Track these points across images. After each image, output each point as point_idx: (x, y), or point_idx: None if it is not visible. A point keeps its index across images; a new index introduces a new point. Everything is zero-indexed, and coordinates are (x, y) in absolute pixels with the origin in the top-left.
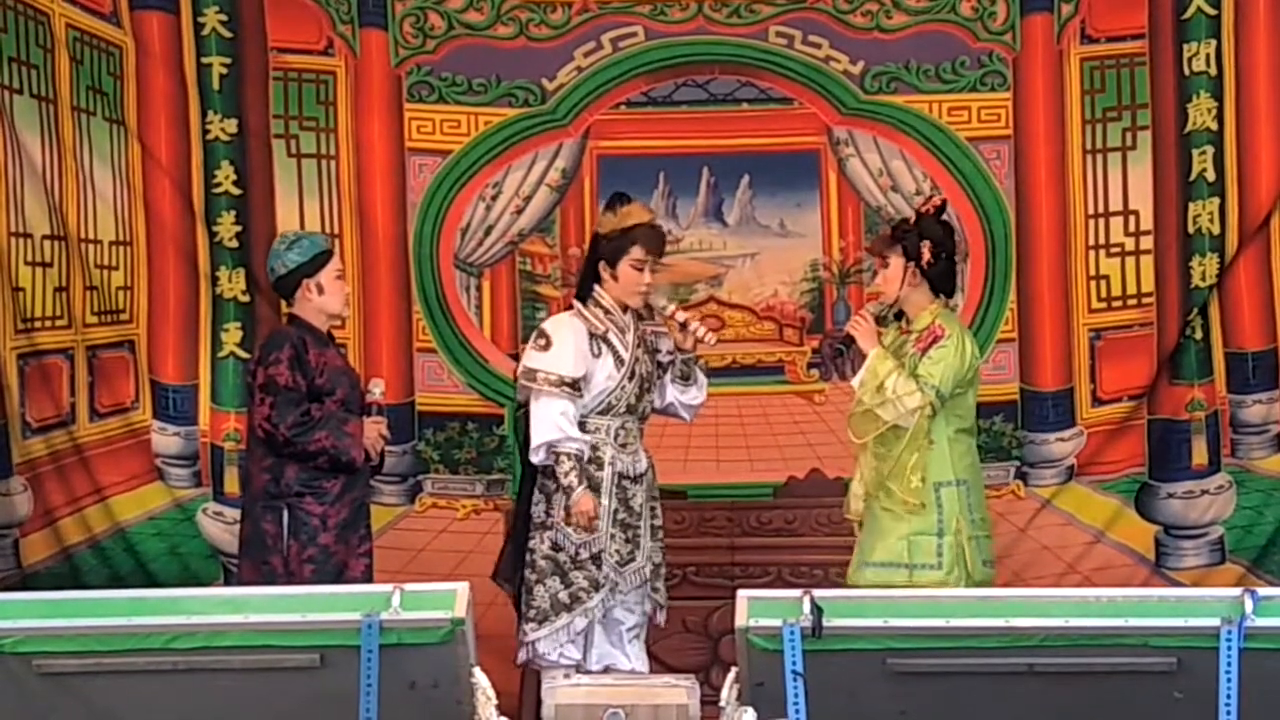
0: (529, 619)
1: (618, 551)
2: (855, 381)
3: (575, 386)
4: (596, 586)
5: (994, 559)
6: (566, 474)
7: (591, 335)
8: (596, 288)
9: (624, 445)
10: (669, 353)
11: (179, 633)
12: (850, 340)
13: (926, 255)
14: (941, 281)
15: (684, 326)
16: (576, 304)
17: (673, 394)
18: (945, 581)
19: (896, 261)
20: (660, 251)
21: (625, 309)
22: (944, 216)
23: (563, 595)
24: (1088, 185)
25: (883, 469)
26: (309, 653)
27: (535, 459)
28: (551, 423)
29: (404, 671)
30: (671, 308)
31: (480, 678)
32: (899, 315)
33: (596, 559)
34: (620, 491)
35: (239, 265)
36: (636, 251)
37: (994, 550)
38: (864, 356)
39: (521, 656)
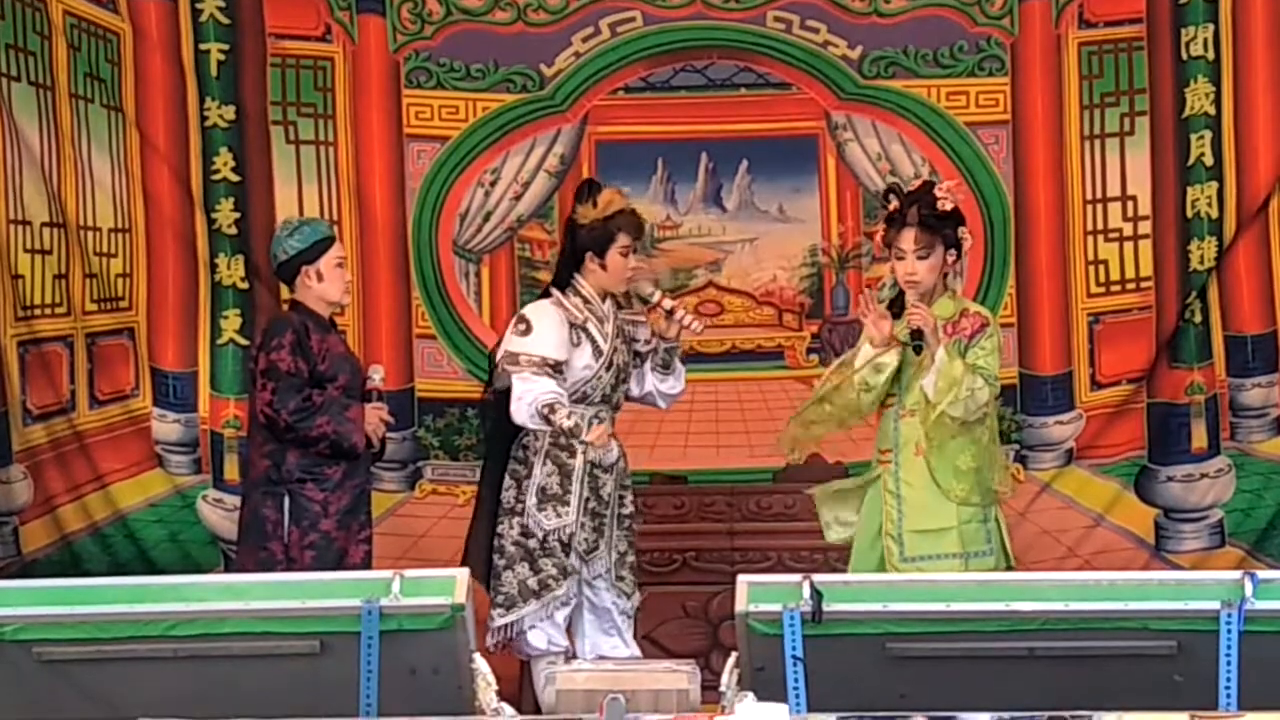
0: (497, 604)
1: (585, 540)
2: (928, 386)
3: (558, 369)
4: (565, 573)
5: None
6: (567, 418)
7: (571, 324)
8: (577, 277)
9: None
10: (648, 341)
11: (179, 620)
12: (920, 332)
13: (969, 243)
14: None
15: (670, 314)
16: (555, 292)
17: (652, 383)
18: (995, 566)
19: (939, 250)
20: (642, 235)
21: (604, 298)
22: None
23: (531, 582)
24: (1086, 170)
25: (979, 469)
26: (309, 639)
27: (524, 417)
28: (541, 387)
29: (404, 657)
30: (658, 295)
31: (480, 663)
32: (897, 303)
33: (566, 546)
34: (592, 480)
35: (238, 252)
36: (623, 239)
37: None
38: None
39: (489, 641)
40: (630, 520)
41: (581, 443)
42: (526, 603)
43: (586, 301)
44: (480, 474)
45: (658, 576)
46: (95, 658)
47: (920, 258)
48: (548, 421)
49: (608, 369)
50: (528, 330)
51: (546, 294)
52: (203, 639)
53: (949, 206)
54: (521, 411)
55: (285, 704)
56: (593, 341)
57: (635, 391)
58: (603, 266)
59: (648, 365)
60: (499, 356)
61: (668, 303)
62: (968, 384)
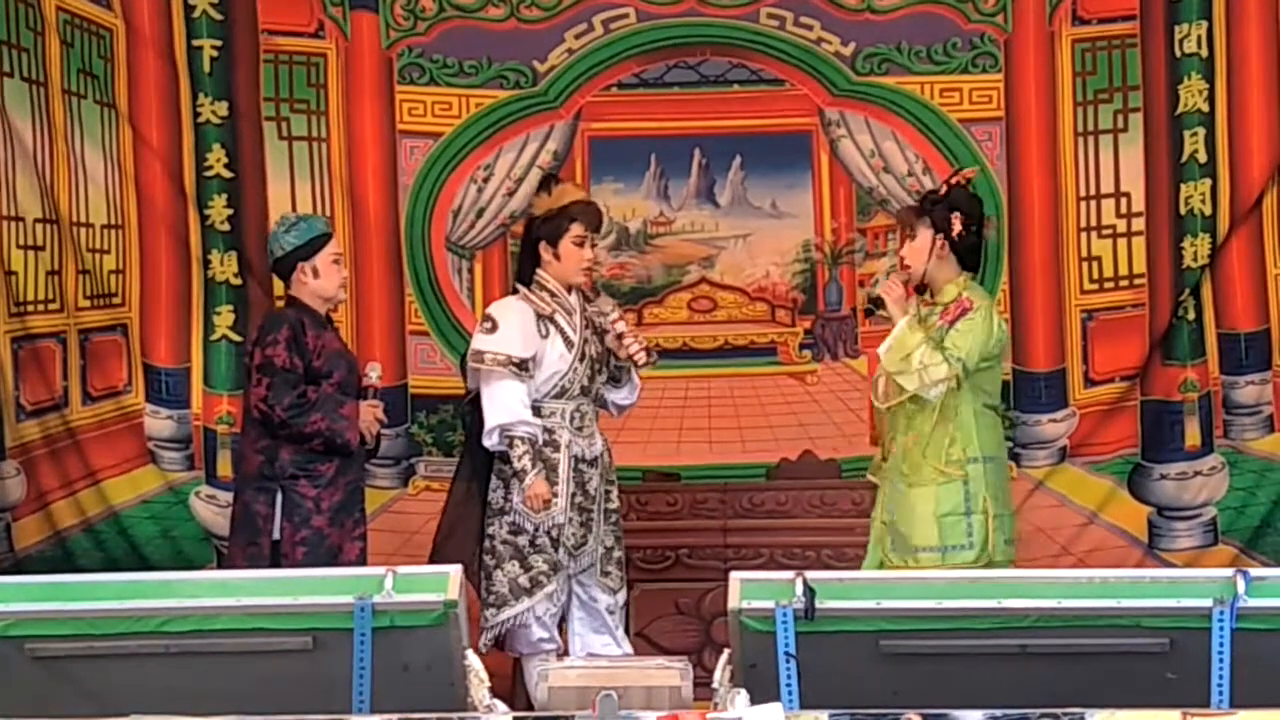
0: (489, 604)
1: (573, 534)
2: (881, 349)
3: (524, 367)
4: (555, 569)
5: (1015, 538)
6: (520, 458)
7: (538, 316)
8: (539, 271)
9: (580, 428)
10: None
11: (171, 616)
12: (880, 302)
13: (957, 227)
14: (968, 255)
15: (620, 339)
16: (520, 287)
17: (603, 390)
18: (976, 562)
19: (925, 234)
20: (598, 227)
21: (570, 290)
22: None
23: (522, 579)
24: (1079, 167)
25: (915, 450)
26: (301, 635)
27: (489, 443)
28: (504, 405)
29: (397, 654)
30: (614, 315)
31: (473, 660)
32: (921, 289)
33: (556, 541)
34: (577, 475)
35: (231, 248)
36: (576, 228)
37: (1016, 528)
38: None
39: (483, 641)
40: (616, 515)
41: (519, 490)
42: (519, 600)
43: (553, 295)
44: (455, 469)
45: (650, 573)
46: (88, 654)
47: (909, 239)
48: (510, 446)
49: (581, 360)
50: (493, 328)
51: (514, 291)
52: (195, 635)
53: (943, 191)
54: (491, 438)
55: (278, 700)
56: (562, 333)
57: (601, 392)
58: (557, 257)
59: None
60: (467, 354)
61: (620, 326)
62: (920, 357)
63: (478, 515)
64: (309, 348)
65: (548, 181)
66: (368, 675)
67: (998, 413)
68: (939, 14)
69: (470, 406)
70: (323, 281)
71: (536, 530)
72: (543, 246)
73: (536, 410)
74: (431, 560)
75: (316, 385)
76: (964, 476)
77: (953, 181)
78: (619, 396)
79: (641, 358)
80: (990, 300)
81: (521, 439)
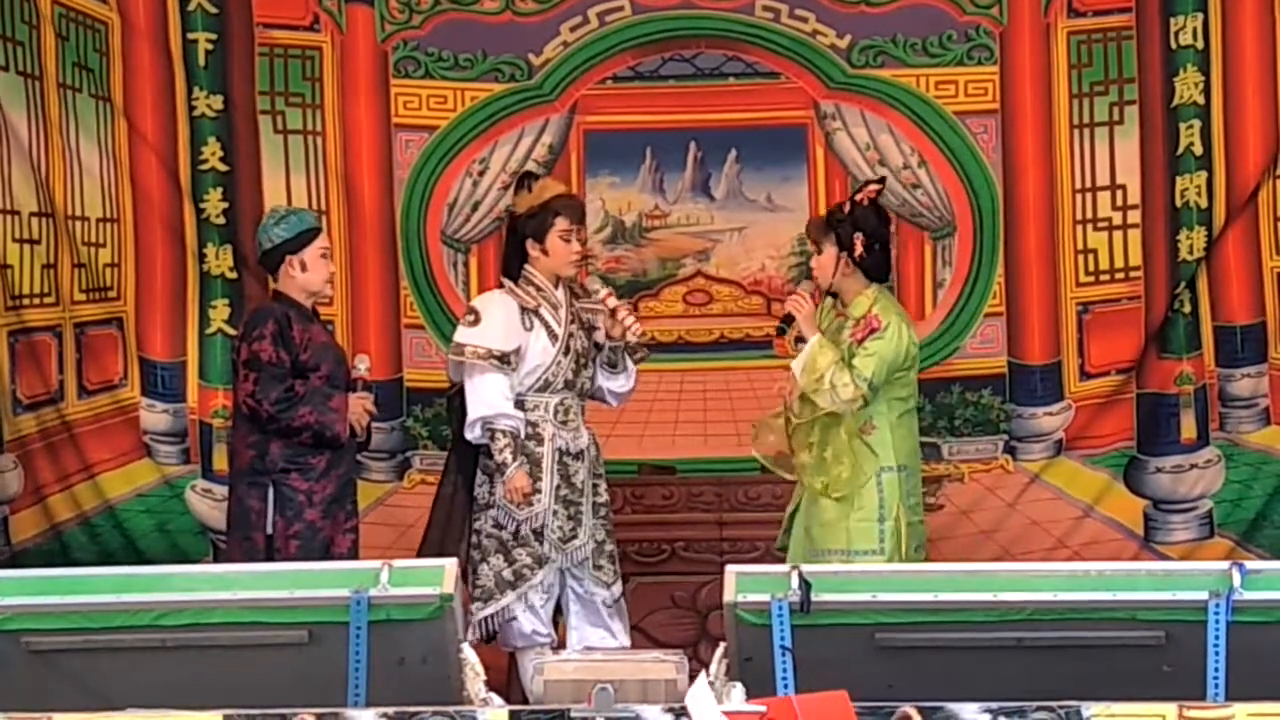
0: (475, 598)
1: (560, 528)
2: (796, 366)
3: (506, 360)
4: (540, 562)
5: (925, 543)
6: (500, 451)
7: (522, 309)
8: (527, 266)
9: (564, 422)
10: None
11: (168, 610)
12: (791, 318)
13: (859, 248)
14: (875, 269)
15: (613, 314)
16: (506, 281)
17: (600, 379)
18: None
19: (830, 250)
20: (582, 219)
21: (558, 284)
22: (880, 200)
23: (506, 573)
24: (1075, 159)
25: (832, 462)
26: (297, 629)
27: (471, 435)
28: (485, 399)
29: (393, 647)
30: (604, 292)
31: (469, 653)
32: (833, 294)
33: (539, 535)
34: (562, 468)
35: (226, 242)
36: (561, 223)
37: (927, 533)
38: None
39: (471, 635)
40: (606, 509)
41: (501, 482)
42: (504, 594)
43: (539, 289)
44: (445, 464)
45: (646, 567)
46: (84, 648)
47: (817, 252)
48: (491, 439)
49: (566, 354)
50: (475, 321)
51: (501, 286)
52: (191, 629)
53: (847, 208)
54: (473, 431)
55: (273, 694)
56: (547, 327)
57: (587, 386)
58: (544, 252)
59: (599, 360)
60: (450, 347)
61: (611, 301)
62: (831, 377)
63: (464, 510)
64: (295, 341)
65: (526, 179)
66: (363, 668)
67: (914, 415)
68: (934, 6)
69: (457, 400)
70: (310, 275)
71: (520, 524)
72: (529, 243)
73: (520, 403)
74: (420, 555)
75: (304, 379)
76: (878, 485)
77: (857, 198)
78: (616, 385)
79: (637, 329)
80: (898, 313)
81: (503, 432)
